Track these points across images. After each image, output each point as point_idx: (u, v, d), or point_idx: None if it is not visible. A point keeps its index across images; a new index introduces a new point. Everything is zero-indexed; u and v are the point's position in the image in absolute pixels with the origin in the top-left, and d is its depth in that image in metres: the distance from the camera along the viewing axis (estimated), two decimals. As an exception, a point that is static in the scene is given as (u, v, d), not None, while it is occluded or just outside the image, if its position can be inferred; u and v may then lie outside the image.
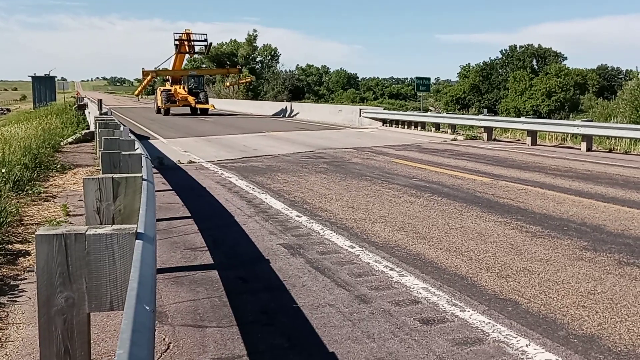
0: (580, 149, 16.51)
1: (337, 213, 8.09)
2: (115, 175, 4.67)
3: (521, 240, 6.64)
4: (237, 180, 11.07)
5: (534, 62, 72.05)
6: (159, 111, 39.82)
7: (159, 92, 40.73)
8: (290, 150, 16.31)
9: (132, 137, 9.58)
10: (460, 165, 12.99)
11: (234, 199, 9.23)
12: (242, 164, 13.51)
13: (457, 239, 6.68)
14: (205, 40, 42.95)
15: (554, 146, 17.90)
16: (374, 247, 6.36)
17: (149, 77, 44.55)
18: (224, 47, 79.02)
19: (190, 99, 38.23)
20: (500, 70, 72.78)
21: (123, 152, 6.39)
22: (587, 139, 16.42)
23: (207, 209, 8.54)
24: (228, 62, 78.24)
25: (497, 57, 74.83)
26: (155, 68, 41.88)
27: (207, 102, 39.39)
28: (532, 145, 17.87)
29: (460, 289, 5.03)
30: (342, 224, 7.46)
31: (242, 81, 49.63)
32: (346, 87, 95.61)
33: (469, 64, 77.79)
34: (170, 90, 39.11)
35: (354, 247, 6.33)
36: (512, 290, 5.00)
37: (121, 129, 10.78)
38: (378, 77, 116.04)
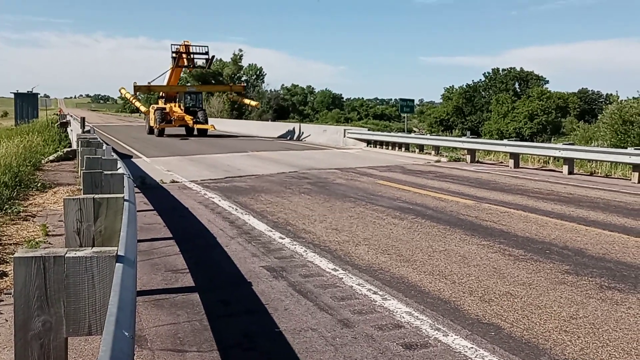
0: (562, 171, 16.68)
1: (320, 235, 8.06)
2: (96, 196, 4.62)
3: (504, 263, 6.65)
4: (220, 200, 11.01)
5: (517, 85, 73.04)
6: (151, 132, 35.63)
7: (151, 111, 36.22)
8: (274, 170, 16.29)
9: (115, 156, 9.52)
10: (444, 187, 13.05)
11: (217, 219, 9.17)
12: (225, 184, 13.45)
13: (440, 262, 6.67)
14: (207, 53, 37.34)
15: (536, 169, 18.07)
16: (357, 270, 6.33)
17: (132, 98, 38.86)
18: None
19: (188, 118, 33.96)
20: (483, 93, 73.66)
21: (105, 172, 6.34)
22: (569, 162, 16.60)
23: (189, 230, 8.47)
24: (213, 81, 78.29)
25: (480, 79, 75.83)
26: (149, 83, 37.57)
27: (206, 121, 34.96)
28: (514, 167, 18.02)
29: (443, 313, 5.02)
30: (325, 246, 7.43)
31: (246, 101, 43.88)
32: (331, 107, 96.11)
33: (453, 86, 78.72)
34: (164, 108, 34.65)
35: (337, 270, 6.30)
36: (494, 314, 4.99)
37: (104, 147, 10.70)
38: (363, 98, 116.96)
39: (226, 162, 18.36)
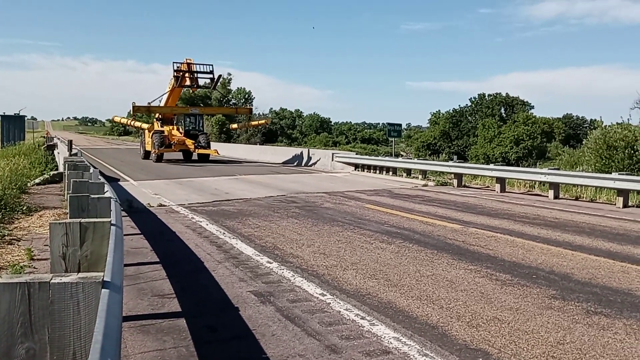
0: (547, 196, 16.80)
1: (308, 259, 8.04)
2: (82, 220, 4.58)
3: (491, 288, 6.67)
4: (207, 224, 10.97)
5: (502, 110, 73.80)
6: (146, 156, 33.28)
7: (147, 135, 33.72)
8: (263, 194, 16.27)
9: (102, 179, 9.47)
10: (431, 212, 13.09)
11: (204, 244, 9.13)
12: (213, 207, 13.41)
13: (428, 287, 6.67)
14: (212, 72, 33.44)
15: (522, 193, 18.20)
16: (345, 295, 6.32)
17: (130, 121, 35.52)
18: (199, 90, 79.31)
19: (189, 142, 31.41)
20: (469, 118, 74.31)
21: (92, 196, 6.30)
22: (554, 186, 16.74)
23: (176, 254, 8.41)
24: (202, 104, 78.42)
25: (467, 104, 76.54)
26: (149, 103, 34.64)
27: (208, 146, 32.31)
28: (501, 192, 18.14)
29: (431, 338, 5.01)
30: (313, 270, 7.41)
31: (253, 123, 41.39)
32: (319, 131, 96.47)
33: (439, 110, 79.37)
34: (162, 131, 32.04)
35: (325, 295, 6.28)
36: (482, 339, 4.99)
37: (91, 171, 10.65)
38: (351, 122, 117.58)
39: (214, 186, 18.32)
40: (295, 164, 31.18)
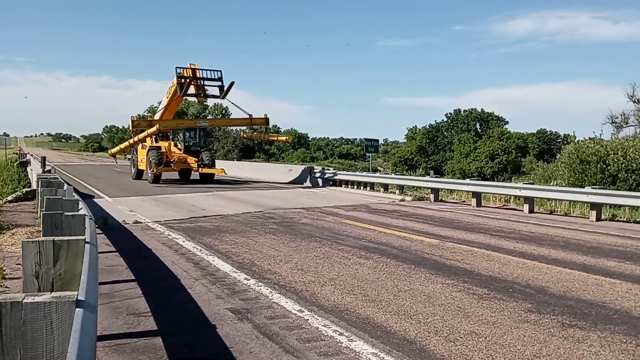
0: (523, 210, 17.00)
1: (286, 275, 8.01)
2: (56, 238, 4.52)
3: (468, 302, 6.70)
4: (184, 241, 10.87)
5: (478, 126, 74.66)
6: (138, 176, 29.42)
7: (141, 151, 29.17)
8: (240, 210, 16.20)
9: (76, 196, 9.35)
10: (409, 227, 13.15)
11: (181, 261, 9.04)
12: (189, 224, 13.31)
13: (405, 302, 6.69)
14: (220, 79, 27.90)
15: (498, 207, 18.38)
16: (323, 311, 6.30)
17: (150, 130, 27.64)
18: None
19: (191, 160, 27.67)
20: (445, 133, 75.01)
21: (66, 213, 6.21)
22: (529, 201, 16.96)
23: (152, 272, 8.32)
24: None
25: (443, 120, 77.29)
26: (151, 117, 30.43)
27: (213, 164, 28.43)
28: (477, 206, 18.31)
29: (409, 353, 5.01)
30: (291, 287, 7.38)
31: (272, 138, 36.09)
32: (297, 147, 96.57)
33: (416, 126, 79.96)
34: (159, 147, 27.72)
35: (303, 311, 6.25)
36: (460, 354, 5.00)
37: (65, 187, 10.51)
38: (328, 137, 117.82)
39: (190, 202, 18.19)
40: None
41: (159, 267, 8.65)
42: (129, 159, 71.34)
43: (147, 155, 27.85)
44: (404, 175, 33.00)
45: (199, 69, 27.65)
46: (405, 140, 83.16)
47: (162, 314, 6.21)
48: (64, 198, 7.93)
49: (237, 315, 6.10)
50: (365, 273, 8.23)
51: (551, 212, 17.00)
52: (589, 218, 15.25)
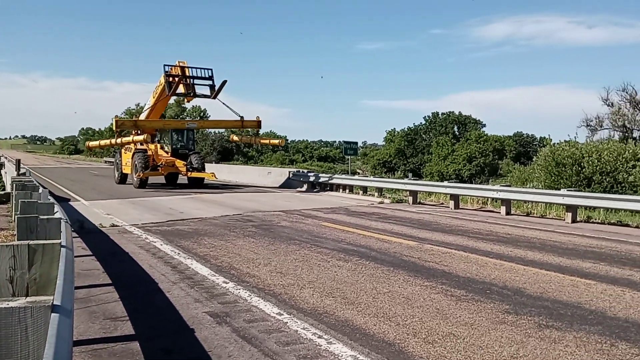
0: (500, 212, 17.18)
1: (265, 279, 7.99)
2: (31, 242, 4.45)
3: (446, 304, 6.75)
4: (162, 244, 10.79)
5: (455, 129, 75.30)
6: (122, 181, 28.07)
7: (126, 154, 27.66)
8: (218, 213, 16.12)
9: (52, 199, 9.23)
10: (387, 229, 13.20)
11: (158, 264, 8.96)
12: (167, 227, 13.21)
13: (384, 304, 6.71)
14: (211, 77, 26.52)
15: (475, 209, 18.55)
16: (302, 313, 6.29)
17: (136, 138, 25.92)
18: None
19: (179, 164, 26.10)
20: (424, 136, 75.53)
21: (41, 217, 6.13)
22: (506, 203, 17.14)
23: (130, 276, 8.23)
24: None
25: (421, 122, 77.82)
26: (136, 117, 28.48)
27: (203, 168, 26.91)
28: (455, 208, 18.45)
29: (388, 355, 5.02)
30: (270, 290, 7.36)
31: (264, 141, 33.01)
32: (275, 149, 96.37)
33: (395, 129, 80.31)
34: (146, 151, 26.12)
35: (282, 314, 6.24)
36: (438, 355, 5.03)
37: (40, 191, 10.36)
38: (307, 140, 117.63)
39: (168, 205, 18.06)
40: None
41: (136, 270, 8.57)
42: (106, 161, 70.50)
43: (132, 158, 26.33)
44: (382, 177, 33.11)
45: (188, 67, 26.27)
46: (384, 143, 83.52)
47: (139, 318, 6.15)
48: (39, 201, 7.83)
49: (216, 318, 6.07)
50: (344, 275, 8.24)
51: (528, 214, 17.20)
52: (564, 220, 15.46)
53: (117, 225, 13.29)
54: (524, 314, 6.36)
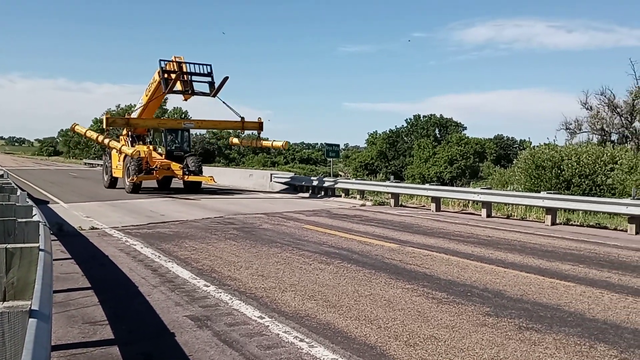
0: (480, 215, 17.30)
1: (246, 282, 7.96)
2: (9, 246, 4.38)
3: (428, 307, 6.77)
4: (142, 247, 10.70)
5: (437, 131, 75.80)
6: (112, 185, 26.02)
7: (116, 156, 25.32)
8: (199, 215, 16.03)
9: (30, 202, 9.10)
10: (369, 231, 13.23)
11: (139, 267, 8.88)
12: (148, 230, 13.10)
13: (366, 307, 6.71)
14: (210, 74, 24.46)
15: (456, 212, 18.66)
16: (284, 317, 6.27)
17: (126, 150, 23.40)
18: (132, 109, 77.90)
19: (175, 167, 24.24)
20: (405, 138, 75.92)
21: (19, 220, 6.04)
22: (487, 205, 17.27)
23: (109, 279, 8.15)
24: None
25: (403, 125, 78.23)
26: (128, 114, 26.20)
27: (200, 171, 25.06)
28: (436, 211, 18.55)
29: (369, 358, 5.02)
30: (251, 293, 7.33)
31: (266, 144, 29.77)
32: (257, 152, 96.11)
33: (376, 131, 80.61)
34: (138, 152, 23.50)
35: (264, 318, 6.22)
36: (419, 358, 5.04)
37: (18, 193, 10.22)
38: (289, 142, 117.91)
39: (149, 208, 17.92)
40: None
41: (116, 274, 8.48)
42: (85, 163, 69.61)
43: (123, 161, 24.40)
44: (364, 180, 33.18)
45: (185, 63, 24.45)
46: (365, 145, 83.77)
47: (119, 322, 6.08)
48: (17, 204, 7.71)
49: (197, 322, 6.03)
50: (326, 278, 8.24)
51: (508, 217, 17.34)
52: (544, 222, 15.61)
53: (96, 228, 13.15)
54: (505, 316, 6.41)
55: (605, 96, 31.78)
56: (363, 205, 20.51)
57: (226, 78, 24.13)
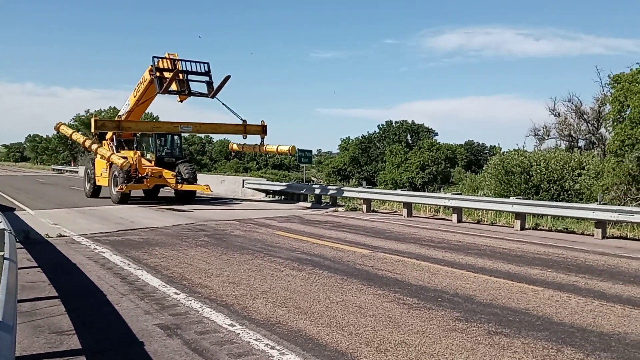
0: (451, 220, 17.46)
1: (217, 289, 7.90)
2: (-29, 255, 4.29)
3: (399, 312, 6.80)
4: (111, 255, 10.54)
5: (409, 137, 76.34)
6: (95, 194, 24.24)
7: (100, 163, 23.40)
8: (170, 222, 15.88)
9: (-5, 210, 8.92)
10: (341, 237, 13.25)
11: (107, 275, 8.75)
12: (117, 237, 12.92)
13: (337, 313, 6.71)
14: (208, 72, 21.97)
15: (428, 217, 18.80)
16: (254, 324, 6.23)
17: (115, 159, 21.12)
18: (103, 114, 76.89)
19: (168, 174, 22.13)
20: (377, 144, 76.25)
21: (-17, 228, 5.91)
22: (458, 211, 17.44)
23: (77, 288, 8.01)
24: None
25: (375, 131, 78.58)
26: (120, 117, 23.47)
27: (195, 179, 22.92)
28: (408, 216, 18.66)
29: (340, 365, 5.02)
30: (222, 300, 7.28)
31: (271, 150, 25.31)
32: (229, 157, 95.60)
33: (349, 137, 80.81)
34: (126, 159, 21.29)
35: (234, 326, 6.17)
36: (390, 364, 5.06)
37: (-17, 200, 10.01)
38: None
39: (118, 214, 17.68)
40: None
41: (84, 282, 8.34)
42: (54, 169, 68.25)
43: (109, 168, 22.46)
44: (337, 185, 33.24)
45: (180, 60, 21.77)
46: (338, 151, 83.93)
47: (86, 331, 5.98)
48: (-19, 212, 7.54)
49: (166, 331, 5.96)
50: (298, 285, 8.22)
51: (478, 222, 17.54)
52: (514, 227, 15.82)
53: (64, 236, 12.92)
54: (474, 321, 6.47)
55: (572, 103, 32.47)
56: (335, 211, 20.53)
57: (228, 77, 21.75)
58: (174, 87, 21.41)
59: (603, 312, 6.94)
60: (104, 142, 24.07)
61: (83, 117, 77.56)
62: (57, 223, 15.10)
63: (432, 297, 7.55)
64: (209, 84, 21.85)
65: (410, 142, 75.07)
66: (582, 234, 14.89)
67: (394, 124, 77.95)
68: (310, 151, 31.67)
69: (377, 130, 78.36)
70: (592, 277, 9.04)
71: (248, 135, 23.41)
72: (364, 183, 27.55)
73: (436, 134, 77.59)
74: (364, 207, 20.62)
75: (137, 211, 18.93)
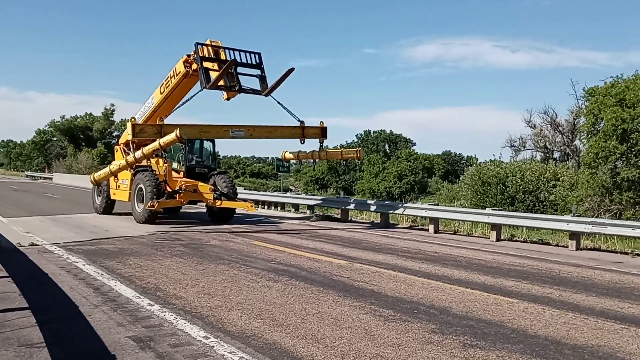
0: (428, 230, 17.54)
1: (192, 300, 7.80)
2: (-63, 267, 4.14)
3: (375, 324, 6.78)
4: (84, 265, 10.37)
5: (387, 147, 76.75)
6: (107, 210, 20.51)
7: (122, 172, 18.65)
8: (145, 231, 15.69)
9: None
10: (318, 248, 13.22)
11: (80, 286, 8.60)
12: (91, 246, 12.73)
13: (313, 326, 6.67)
14: (259, 64, 18.07)
15: (405, 228, 18.86)
16: (229, 337, 6.16)
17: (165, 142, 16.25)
18: (79, 120, 76.00)
19: (204, 188, 18.43)
20: (356, 153, 76.50)
21: (-49, 238, 5.75)
22: (435, 221, 17.53)
23: (48, 299, 7.85)
24: (82, 136, 74.78)
25: (353, 140, 78.87)
26: (161, 119, 17.04)
27: (235, 194, 19.45)
28: (385, 227, 18.70)
29: (315, 379, 4.98)
30: (197, 312, 7.19)
31: (335, 155, 23.98)
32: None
33: (327, 145, 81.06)
34: (150, 169, 18.66)
35: (209, 338, 6.09)
36: (366, 378, 5.02)
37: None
38: (239, 156, 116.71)
39: (93, 223, 17.44)
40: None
41: (55, 293, 8.18)
42: (27, 175, 67.10)
43: (131, 180, 18.76)
44: (314, 195, 33.24)
45: (224, 48, 17.82)
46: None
47: (57, 344, 5.84)
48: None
49: (139, 343, 5.85)
50: (274, 296, 8.16)
51: (455, 232, 17.64)
52: (489, 238, 15.93)
53: (36, 244, 12.69)
54: (450, 333, 6.47)
55: (548, 115, 32.87)
56: (313, 221, 20.49)
57: (291, 70, 18.10)
58: (223, 82, 17.33)
59: (577, 324, 7.00)
60: (116, 147, 21.05)
61: (58, 123, 76.48)
62: (29, 231, 14.83)
63: (409, 309, 7.55)
64: (262, 78, 18.00)
65: (388, 151, 75.47)
66: (557, 245, 15.05)
67: (372, 133, 78.38)
68: (288, 160, 31.62)
69: (356, 140, 78.69)
70: (567, 289, 9.12)
71: (306, 140, 19.67)
72: (341, 192, 27.56)
73: (414, 144, 78.24)
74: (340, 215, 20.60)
75: (111, 219, 18.68)
